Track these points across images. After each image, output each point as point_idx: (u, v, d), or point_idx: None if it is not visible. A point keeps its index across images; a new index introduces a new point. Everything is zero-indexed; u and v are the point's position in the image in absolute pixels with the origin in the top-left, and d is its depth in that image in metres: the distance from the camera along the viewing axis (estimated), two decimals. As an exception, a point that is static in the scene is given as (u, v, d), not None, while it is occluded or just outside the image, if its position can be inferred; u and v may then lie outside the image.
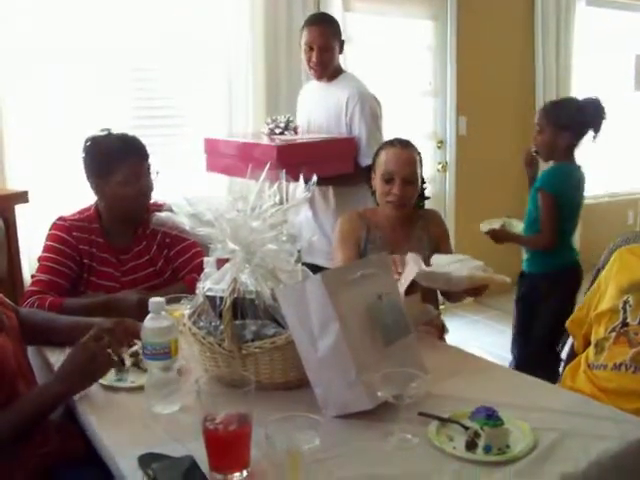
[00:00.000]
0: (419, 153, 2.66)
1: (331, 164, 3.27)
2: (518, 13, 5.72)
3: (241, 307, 1.74)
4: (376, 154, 2.68)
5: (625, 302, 2.12)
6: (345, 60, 4.53)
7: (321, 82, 3.50)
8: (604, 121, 3.23)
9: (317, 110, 3.50)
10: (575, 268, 3.30)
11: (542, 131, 3.24)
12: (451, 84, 5.36)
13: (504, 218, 3.39)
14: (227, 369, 1.76)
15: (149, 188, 2.48)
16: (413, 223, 2.69)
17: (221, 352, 1.76)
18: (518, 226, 3.36)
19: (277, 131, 3.29)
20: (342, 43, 3.47)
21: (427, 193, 2.76)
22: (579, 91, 6.02)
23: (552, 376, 3.32)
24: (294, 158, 3.06)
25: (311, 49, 3.37)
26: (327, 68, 3.42)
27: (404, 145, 2.64)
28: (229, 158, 3.30)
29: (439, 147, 5.39)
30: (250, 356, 1.74)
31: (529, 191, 3.38)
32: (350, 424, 1.61)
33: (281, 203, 1.79)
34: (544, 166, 3.43)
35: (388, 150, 2.63)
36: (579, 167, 3.32)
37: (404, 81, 5.13)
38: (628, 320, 2.08)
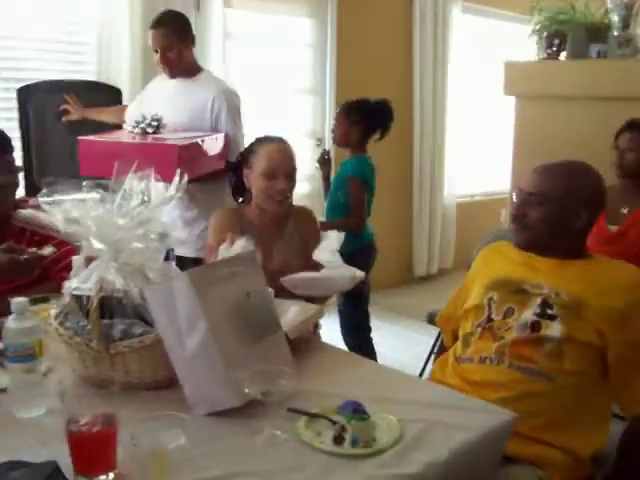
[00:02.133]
0: None
1: (211, 161, 3.28)
2: (397, 15, 5.86)
3: (109, 306, 1.71)
4: (251, 151, 2.68)
5: (490, 299, 2.18)
6: (225, 56, 4.53)
7: (179, 80, 3.50)
8: (391, 122, 3.78)
9: (177, 107, 3.46)
10: (372, 246, 3.78)
11: (339, 125, 3.77)
12: (330, 82, 5.42)
13: None
14: (95, 369, 1.72)
15: (9, 184, 2.41)
16: (286, 220, 2.70)
17: (89, 352, 1.72)
18: None
19: (149, 130, 3.23)
20: (193, 38, 3.50)
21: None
22: (454, 92, 6.24)
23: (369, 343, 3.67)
24: (190, 157, 3.06)
25: (156, 51, 3.42)
26: (175, 67, 3.45)
27: (281, 140, 2.66)
28: (113, 159, 3.10)
29: (318, 145, 5.43)
30: (118, 355, 1.71)
31: (324, 186, 4.02)
32: (219, 422, 1.61)
33: (149, 201, 1.77)
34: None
35: (267, 146, 2.63)
36: (370, 157, 3.80)
37: (284, 78, 5.15)
38: (493, 316, 2.15)
